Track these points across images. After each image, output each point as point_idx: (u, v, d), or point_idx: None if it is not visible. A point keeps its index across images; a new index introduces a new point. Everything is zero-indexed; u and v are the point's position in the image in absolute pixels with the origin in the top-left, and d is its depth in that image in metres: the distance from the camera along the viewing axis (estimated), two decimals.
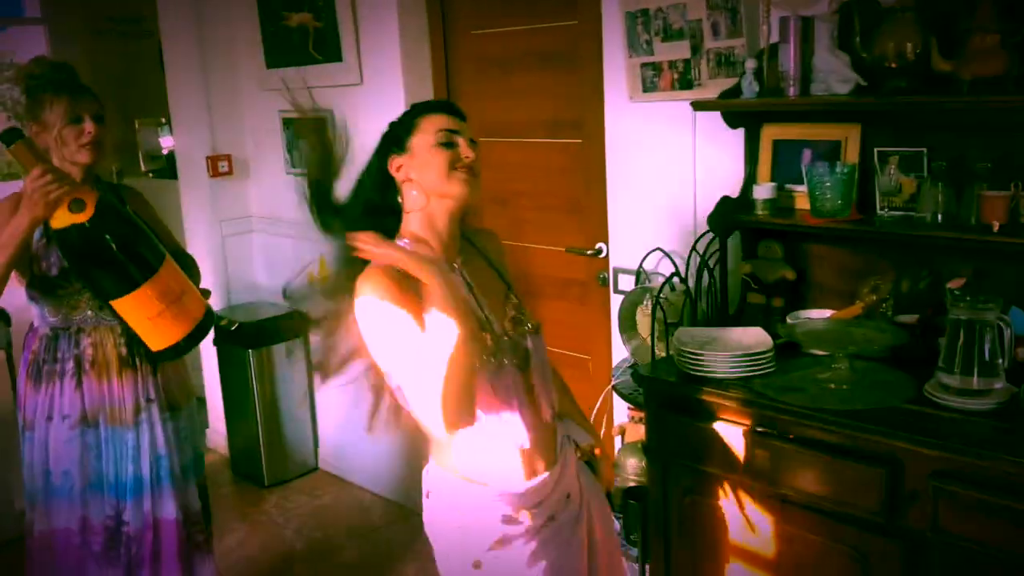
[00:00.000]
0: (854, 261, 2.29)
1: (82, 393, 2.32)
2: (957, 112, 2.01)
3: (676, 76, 2.52)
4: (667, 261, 2.55)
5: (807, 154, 2.27)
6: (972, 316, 1.84)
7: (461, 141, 1.59)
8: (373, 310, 1.47)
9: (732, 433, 2.01)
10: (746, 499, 2.04)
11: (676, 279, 2.42)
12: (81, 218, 1.91)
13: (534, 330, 1.69)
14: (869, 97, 2.05)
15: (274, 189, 4.00)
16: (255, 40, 3.82)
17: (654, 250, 2.58)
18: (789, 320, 2.26)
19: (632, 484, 2.52)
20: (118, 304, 2.00)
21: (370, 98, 3.42)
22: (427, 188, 1.58)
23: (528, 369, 1.65)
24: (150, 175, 5.39)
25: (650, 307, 2.41)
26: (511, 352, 1.62)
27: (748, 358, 2.08)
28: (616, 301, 2.82)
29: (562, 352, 3.11)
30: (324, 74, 3.53)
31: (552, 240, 3.12)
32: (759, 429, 1.97)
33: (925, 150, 2.06)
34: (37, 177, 1.90)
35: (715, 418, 2.05)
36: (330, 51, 3.51)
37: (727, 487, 2.08)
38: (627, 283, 2.75)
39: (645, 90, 2.61)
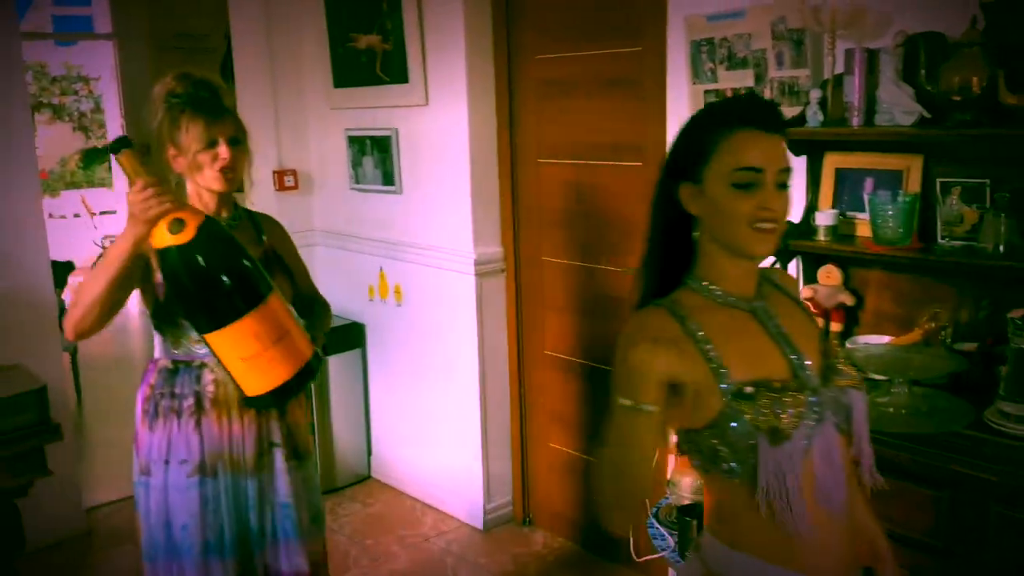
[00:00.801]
0: (913, 289, 2.33)
1: (201, 435, 2.07)
2: (1021, 144, 2.05)
3: None
4: None
5: (869, 183, 2.32)
6: None
7: (767, 179, 1.28)
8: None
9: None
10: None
11: None
12: (179, 239, 1.70)
13: (858, 383, 1.39)
14: (935, 129, 2.10)
15: (337, 204, 4.13)
16: (323, 59, 3.96)
17: None
18: (848, 345, 2.30)
19: (686, 502, 2.57)
20: (211, 339, 1.76)
21: (434, 118, 3.53)
22: (719, 238, 1.33)
23: (850, 431, 1.37)
24: None
25: None
26: (833, 409, 1.33)
27: None
28: None
29: None
30: (390, 94, 3.65)
31: (611, 260, 3.18)
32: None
33: (988, 181, 2.10)
34: (138, 191, 1.72)
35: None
36: (396, 72, 3.62)
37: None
38: None
39: None
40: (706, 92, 2.65)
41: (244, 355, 1.75)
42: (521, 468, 3.71)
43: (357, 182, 3.97)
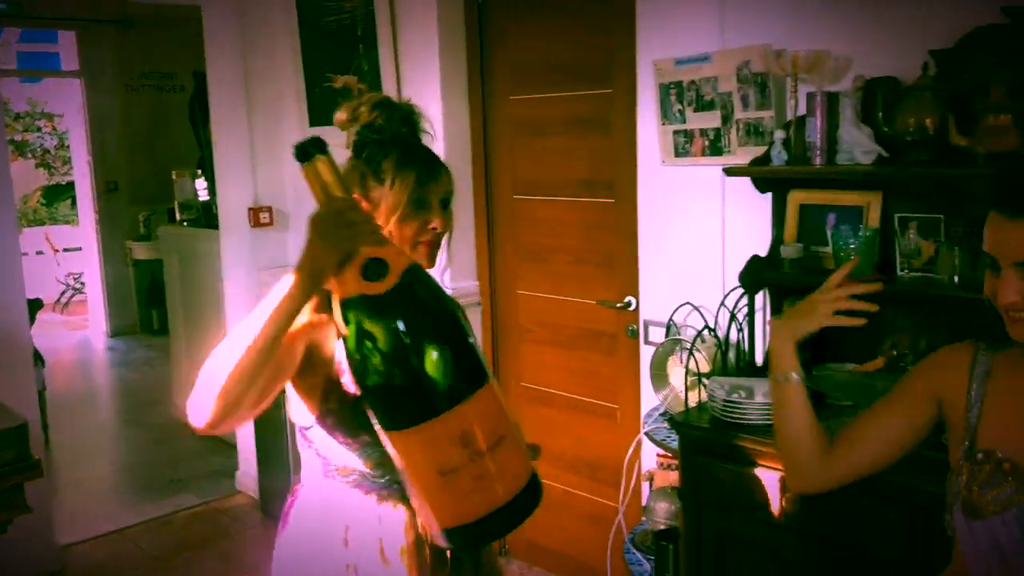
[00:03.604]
0: (875, 319, 2.44)
1: None
2: (972, 183, 2.18)
3: (707, 143, 2.71)
4: (696, 315, 2.71)
5: (832, 218, 2.44)
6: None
7: (1005, 272, 1.22)
8: None
9: (764, 476, 2.15)
10: (777, 539, 2.17)
11: (707, 332, 2.58)
12: (377, 288, 1.22)
13: None
14: (891, 168, 2.23)
15: None
16: (299, 98, 4.04)
17: (684, 304, 2.74)
18: (815, 372, 2.41)
19: (662, 527, 2.65)
20: (398, 439, 1.25)
21: None
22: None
23: None
24: (184, 224, 5.59)
25: (681, 358, 2.56)
26: None
27: None
28: (645, 352, 2.98)
29: (591, 401, 3.26)
30: None
31: (584, 293, 3.28)
32: None
33: (942, 216, 2.23)
34: (332, 209, 1.23)
35: (747, 462, 2.19)
36: None
37: (759, 528, 2.21)
38: (656, 335, 2.91)
39: (677, 155, 2.80)
40: (675, 132, 2.77)
41: (443, 466, 1.23)
42: None
43: None
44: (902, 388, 1.46)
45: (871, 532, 1.99)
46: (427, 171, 1.53)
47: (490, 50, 3.47)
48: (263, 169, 4.22)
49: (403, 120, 1.56)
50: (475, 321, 3.64)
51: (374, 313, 1.21)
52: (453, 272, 3.55)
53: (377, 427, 1.27)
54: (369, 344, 1.21)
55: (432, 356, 1.20)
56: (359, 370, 1.24)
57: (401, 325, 1.20)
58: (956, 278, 2.15)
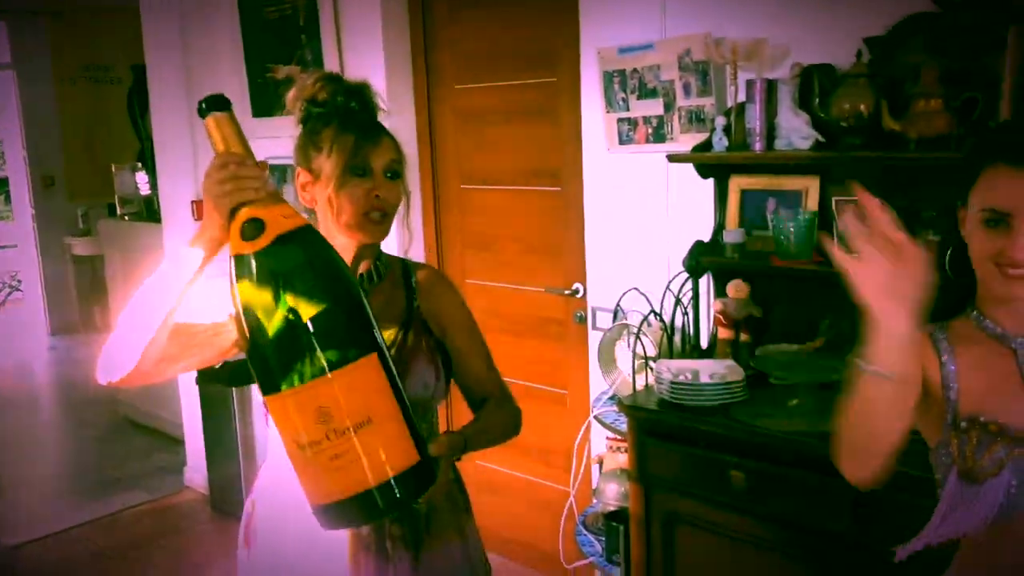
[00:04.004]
0: (815, 299, 2.51)
1: None
2: (906, 166, 2.26)
3: (650, 131, 2.75)
4: (642, 300, 2.75)
5: (772, 202, 2.50)
6: None
7: (1019, 226, 1.20)
8: None
9: (711, 456, 2.20)
10: (724, 518, 2.22)
11: (653, 316, 2.62)
12: (247, 248, 1.19)
13: None
14: (827, 152, 2.29)
15: None
16: (242, 90, 3.99)
17: (630, 290, 2.78)
18: (758, 353, 2.47)
19: (612, 509, 2.69)
20: (268, 404, 1.24)
21: None
22: (974, 268, 1.30)
23: None
24: (126, 218, 5.49)
25: (629, 342, 2.60)
26: None
27: (723, 387, 2.28)
28: (593, 337, 3.02)
29: (541, 387, 3.29)
30: None
31: (532, 281, 3.31)
32: (735, 452, 2.16)
33: (878, 200, 2.30)
34: (217, 167, 1.23)
35: (694, 443, 2.24)
36: None
37: (707, 507, 2.26)
38: (604, 320, 2.95)
39: (621, 143, 2.84)
40: (619, 120, 2.81)
41: (301, 439, 1.19)
42: None
43: None
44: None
45: (817, 508, 2.05)
46: (365, 136, 1.49)
47: (435, 40, 3.47)
48: (206, 161, 4.12)
49: (350, 94, 1.54)
50: None
51: (242, 273, 1.19)
52: None
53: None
54: (241, 304, 1.19)
55: (296, 324, 1.16)
56: (239, 330, 1.23)
57: (269, 288, 1.17)
58: None
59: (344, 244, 1.49)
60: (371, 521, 1.34)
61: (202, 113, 1.25)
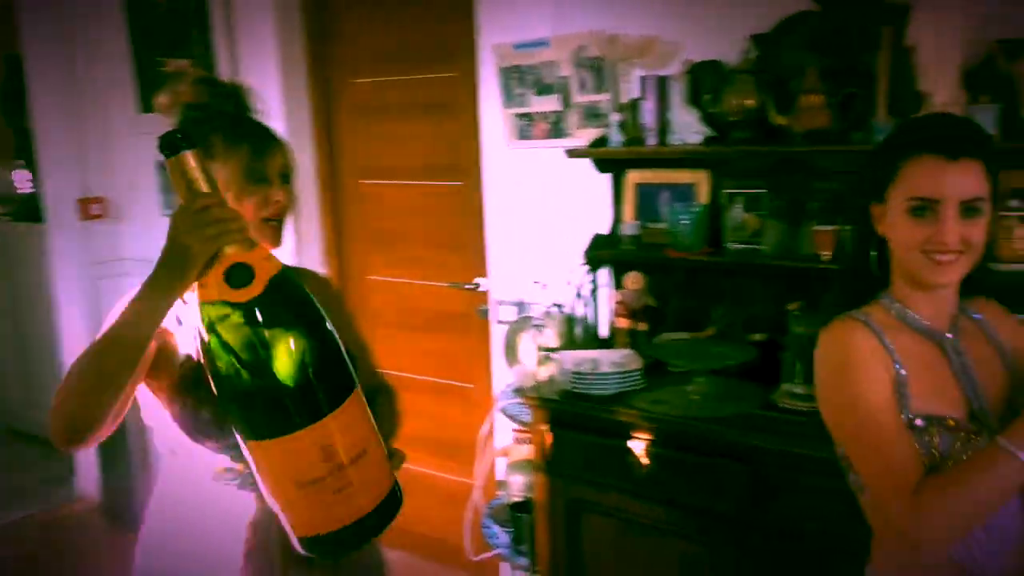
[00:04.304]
0: (708, 289, 2.60)
1: None
2: (791, 159, 2.35)
3: (548, 126, 2.79)
4: (545, 292, 2.79)
5: (666, 196, 2.57)
6: (808, 332, 2.16)
7: (945, 210, 1.25)
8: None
9: (612, 443, 2.26)
10: (627, 503, 2.28)
11: (555, 308, 2.66)
12: (240, 296, 1.15)
13: None
14: (718, 147, 2.37)
15: (150, 231, 4.01)
16: (128, 82, 3.86)
17: (532, 283, 2.82)
18: (655, 341, 2.54)
19: (518, 500, 2.73)
20: (257, 448, 1.20)
21: None
22: (899, 261, 1.34)
23: None
24: (7, 218, 5.22)
25: (532, 335, 2.64)
26: None
27: (622, 376, 2.33)
28: (496, 331, 3.05)
29: (446, 382, 3.30)
30: None
31: (435, 276, 3.31)
32: (635, 438, 2.22)
33: (766, 191, 2.40)
34: (195, 208, 1.16)
35: (597, 431, 2.29)
36: None
37: (610, 494, 2.31)
38: (507, 314, 2.98)
39: (520, 138, 2.87)
40: (518, 115, 2.84)
41: (303, 478, 1.18)
42: None
43: (169, 208, 3.88)
44: (882, 408, 1.28)
45: (716, 491, 2.12)
46: (260, 143, 1.45)
47: (331, 33, 3.43)
48: (94, 157, 4.01)
49: (228, 96, 1.49)
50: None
51: (236, 322, 1.13)
52: (299, 260, 3.49)
53: (237, 435, 1.22)
54: (228, 353, 1.14)
55: (295, 369, 1.14)
56: (217, 376, 1.17)
57: (265, 336, 1.13)
58: (779, 248, 2.32)
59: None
60: (365, 543, 1.32)
61: (172, 150, 1.15)
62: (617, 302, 2.64)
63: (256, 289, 1.14)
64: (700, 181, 2.53)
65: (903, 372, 1.28)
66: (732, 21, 2.41)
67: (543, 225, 2.90)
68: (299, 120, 3.47)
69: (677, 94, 2.43)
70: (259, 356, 1.13)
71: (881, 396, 1.26)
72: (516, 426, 2.76)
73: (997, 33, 2.03)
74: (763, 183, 2.41)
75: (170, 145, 1.15)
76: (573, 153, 2.59)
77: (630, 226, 2.56)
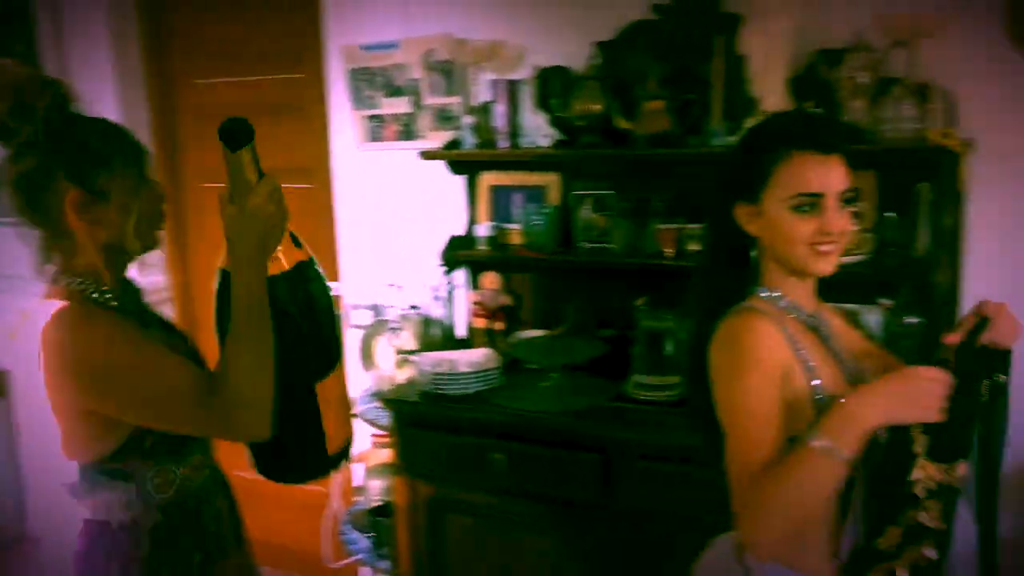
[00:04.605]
0: (561, 287, 2.68)
1: None
2: (636, 161, 2.46)
3: (400, 128, 2.79)
4: (401, 295, 2.79)
5: (519, 198, 2.63)
6: (655, 326, 2.27)
7: (827, 203, 1.29)
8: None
9: (471, 442, 2.29)
10: (487, 500, 2.32)
11: (411, 310, 2.67)
12: (303, 254, 1.38)
13: None
14: (567, 150, 2.45)
15: None
16: None
17: (388, 286, 2.81)
18: (511, 340, 2.59)
19: (377, 504, 2.71)
20: (331, 380, 1.43)
21: None
22: (779, 257, 1.35)
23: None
24: None
25: (389, 338, 2.63)
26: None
27: (479, 374, 2.37)
28: (351, 336, 3.01)
29: None
30: None
31: None
32: (494, 435, 2.26)
33: (613, 192, 2.49)
34: (266, 192, 1.29)
35: (457, 431, 2.31)
36: None
37: (470, 492, 2.34)
38: (362, 317, 2.95)
39: (371, 140, 2.86)
40: (369, 117, 2.83)
41: (343, 393, 1.49)
42: None
43: None
44: (769, 401, 1.28)
45: (571, 482, 2.18)
46: (141, 156, 1.42)
47: (170, 30, 3.29)
48: None
49: (62, 97, 1.35)
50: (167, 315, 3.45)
51: (311, 277, 1.37)
52: (139, 266, 3.33)
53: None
54: (310, 303, 1.36)
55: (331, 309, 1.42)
56: (292, 336, 1.36)
57: (326, 287, 1.41)
58: (626, 247, 2.41)
59: (97, 256, 1.42)
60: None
61: (236, 146, 1.25)
62: (474, 302, 2.67)
63: (308, 250, 1.39)
64: (551, 183, 2.60)
65: (808, 360, 1.31)
66: (577, 27, 2.49)
67: (397, 227, 2.90)
68: (136, 122, 3.32)
69: (527, 98, 2.50)
70: (327, 303, 1.40)
71: (769, 389, 1.27)
72: (375, 431, 2.74)
73: (819, 43, 2.20)
74: (610, 185, 2.51)
75: (234, 140, 1.25)
76: (427, 155, 2.61)
77: (485, 227, 2.60)
